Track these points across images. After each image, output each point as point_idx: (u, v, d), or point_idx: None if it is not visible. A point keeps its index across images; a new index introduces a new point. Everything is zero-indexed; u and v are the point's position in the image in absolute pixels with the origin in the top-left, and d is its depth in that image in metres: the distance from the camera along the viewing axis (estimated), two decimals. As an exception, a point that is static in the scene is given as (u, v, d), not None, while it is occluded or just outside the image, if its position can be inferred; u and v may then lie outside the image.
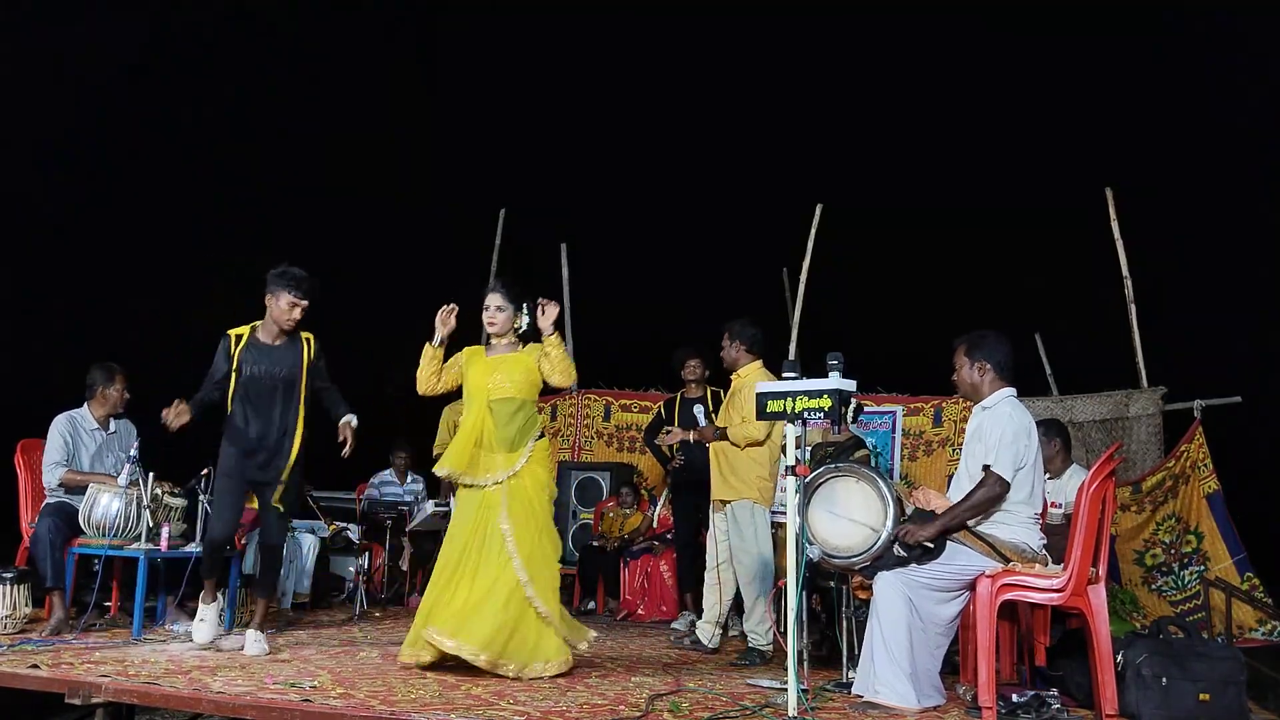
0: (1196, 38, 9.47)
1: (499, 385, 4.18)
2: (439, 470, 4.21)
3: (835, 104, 11.01)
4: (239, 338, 4.43)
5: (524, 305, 4.32)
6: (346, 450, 4.49)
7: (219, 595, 4.61)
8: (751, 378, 4.88)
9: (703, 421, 5.30)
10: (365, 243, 9.99)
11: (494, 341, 4.37)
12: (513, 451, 4.13)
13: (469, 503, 4.14)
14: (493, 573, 3.99)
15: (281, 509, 4.50)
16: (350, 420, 4.49)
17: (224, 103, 9.82)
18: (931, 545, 3.54)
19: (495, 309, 4.29)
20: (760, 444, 4.90)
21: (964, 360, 3.78)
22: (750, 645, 4.87)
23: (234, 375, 4.38)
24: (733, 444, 4.92)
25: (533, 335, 4.34)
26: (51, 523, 4.79)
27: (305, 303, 4.42)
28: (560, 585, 4.28)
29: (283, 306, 4.40)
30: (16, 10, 8.13)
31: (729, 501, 4.96)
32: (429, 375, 4.34)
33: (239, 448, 4.37)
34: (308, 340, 4.54)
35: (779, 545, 5.22)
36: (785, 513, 3.41)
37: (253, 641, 4.33)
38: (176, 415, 4.21)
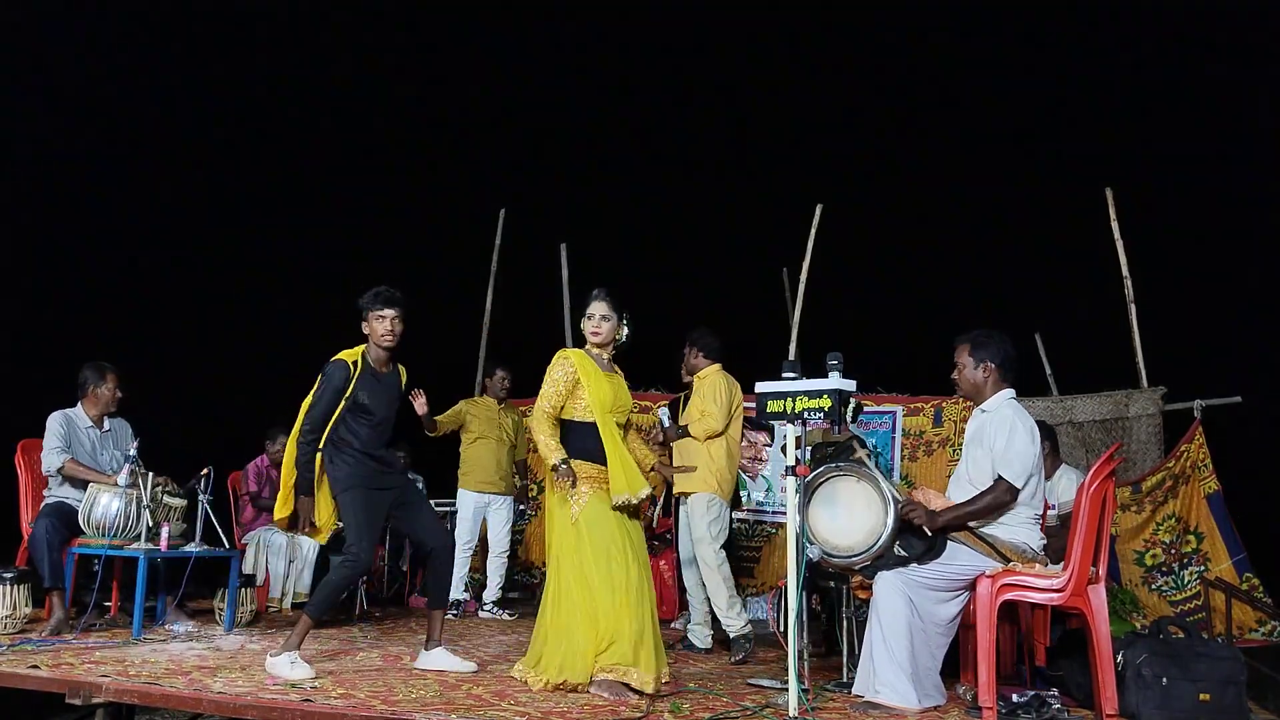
0: (1196, 37, 9.48)
1: (620, 409, 4.03)
2: (620, 499, 3.83)
3: (835, 104, 11.01)
4: (354, 364, 4.19)
5: (624, 316, 4.11)
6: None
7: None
8: (710, 378, 5.19)
9: (667, 423, 5.42)
10: (365, 243, 9.98)
11: (595, 352, 4.07)
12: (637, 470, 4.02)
13: (613, 520, 3.88)
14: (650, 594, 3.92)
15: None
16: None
17: (222, 103, 9.82)
18: (930, 535, 3.55)
19: (600, 318, 4.01)
20: (719, 435, 5.07)
21: (967, 360, 3.78)
22: (732, 637, 4.93)
23: (349, 398, 4.14)
24: (694, 438, 5.08)
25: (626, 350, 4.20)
26: (49, 523, 4.78)
27: (398, 319, 4.24)
28: None
29: (380, 329, 4.20)
30: (15, 9, 8.13)
31: (689, 494, 5.10)
32: (555, 407, 3.96)
33: (366, 469, 4.14)
34: (401, 370, 4.37)
35: (778, 545, 5.23)
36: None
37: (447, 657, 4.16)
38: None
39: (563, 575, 3.82)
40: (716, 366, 5.28)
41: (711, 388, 5.12)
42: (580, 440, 3.91)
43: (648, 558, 4.02)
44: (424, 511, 4.35)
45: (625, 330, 4.08)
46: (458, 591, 6.17)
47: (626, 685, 3.66)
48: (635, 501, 3.87)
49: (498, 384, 6.51)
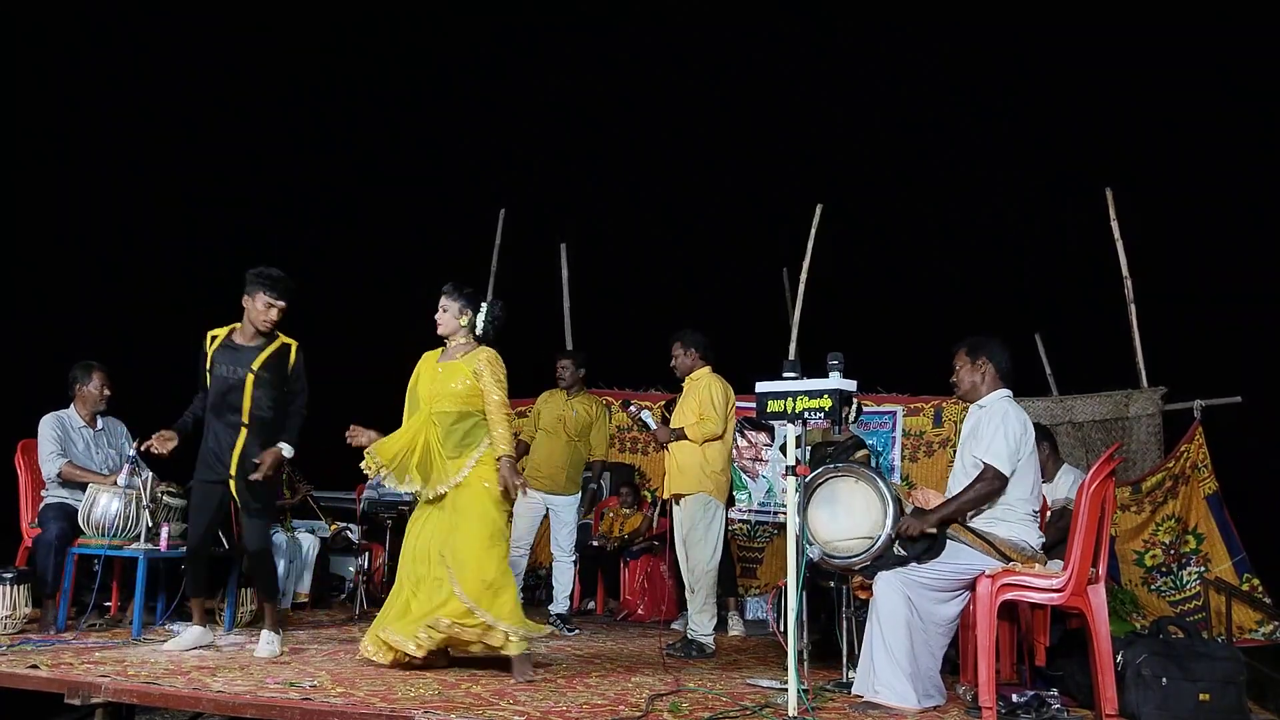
0: (1196, 37, 9.47)
1: (440, 395, 4.12)
2: (394, 485, 4.13)
3: (835, 104, 11.00)
4: (214, 338, 4.42)
5: (480, 303, 4.24)
6: (256, 475, 4.27)
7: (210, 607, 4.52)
8: (704, 379, 5.20)
9: (654, 426, 5.37)
10: (365, 243, 9.98)
11: (448, 344, 4.28)
12: (458, 459, 4.08)
13: (421, 512, 4.20)
14: (442, 584, 3.99)
15: (252, 509, 4.35)
16: (279, 449, 4.31)
17: (220, 102, 9.82)
18: (934, 532, 3.55)
19: (440, 310, 4.24)
20: (719, 438, 5.09)
21: (965, 360, 3.81)
22: (689, 637, 4.98)
23: (209, 375, 4.36)
24: (691, 441, 5.08)
25: (488, 336, 4.27)
26: (59, 529, 4.79)
27: (282, 303, 4.34)
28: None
29: (259, 307, 4.34)
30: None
31: (684, 495, 5.10)
32: None
33: (205, 448, 4.36)
34: (287, 346, 4.45)
35: (779, 545, 5.21)
36: (782, 512, 3.41)
37: (264, 643, 4.30)
38: (161, 442, 4.26)
39: None
40: (709, 368, 5.29)
41: (708, 390, 5.12)
42: None
43: (452, 542, 4.01)
44: (241, 518, 4.43)
45: (477, 316, 4.21)
46: None
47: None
48: (430, 494, 4.08)
49: (560, 372, 6.02)
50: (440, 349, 4.29)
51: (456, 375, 4.13)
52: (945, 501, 3.62)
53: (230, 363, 4.35)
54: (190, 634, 4.36)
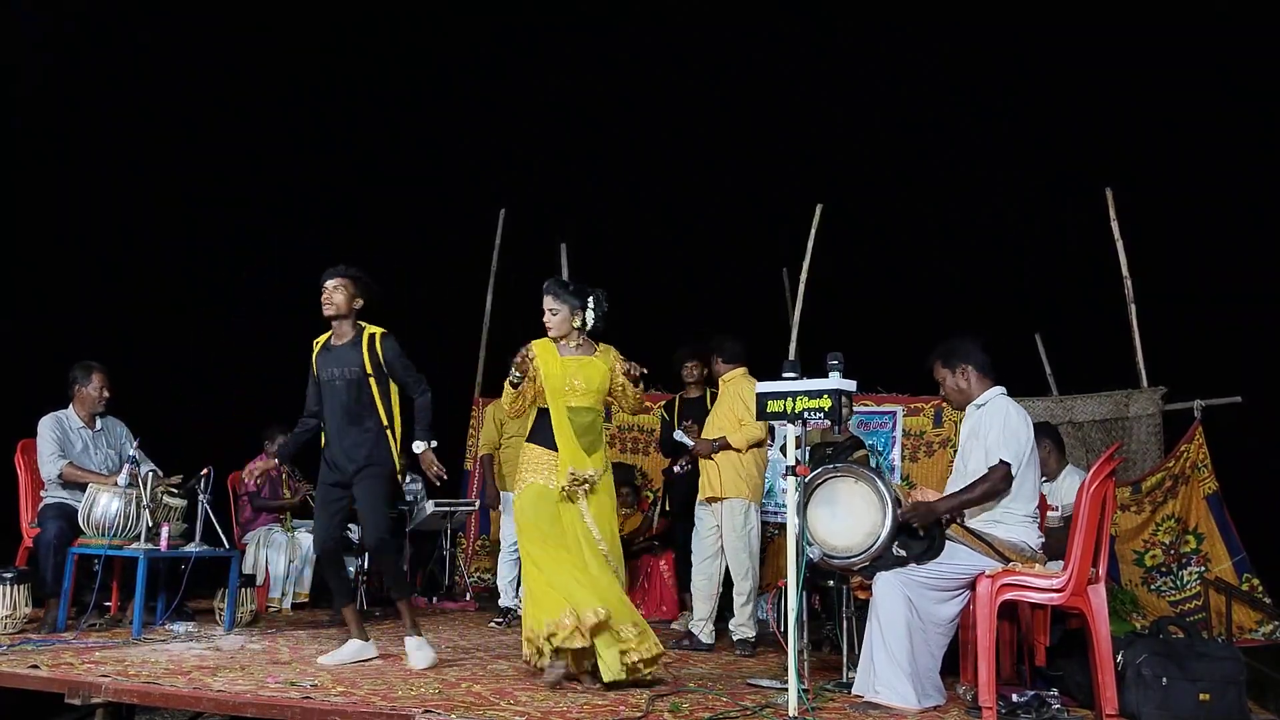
0: (1196, 37, 9.47)
1: (576, 391, 4.01)
2: (571, 473, 3.92)
3: (835, 104, 10.99)
4: (317, 345, 4.44)
5: (587, 299, 4.08)
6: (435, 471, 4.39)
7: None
8: (737, 383, 5.22)
9: (689, 442, 5.33)
10: (364, 243, 9.97)
11: (560, 341, 4.12)
12: (591, 455, 4.01)
13: (550, 504, 3.93)
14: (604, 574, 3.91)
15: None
16: (419, 448, 4.33)
17: (220, 102, 9.82)
18: (936, 527, 3.56)
19: (549, 312, 4.07)
20: (763, 444, 5.13)
21: (944, 372, 3.85)
22: (741, 638, 5.06)
23: (316, 383, 4.41)
24: (737, 449, 5.08)
25: (600, 332, 4.15)
26: (57, 528, 4.79)
27: (329, 282, 4.33)
28: None
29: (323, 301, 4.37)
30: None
31: (724, 499, 5.10)
32: (516, 408, 4.08)
33: (324, 453, 4.38)
34: (372, 336, 4.37)
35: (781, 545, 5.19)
36: (782, 512, 3.41)
37: (414, 649, 4.19)
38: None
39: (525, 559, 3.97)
40: (742, 370, 5.29)
41: (749, 393, 5.12)
42: (542, 426, 4.04)
43: (605, 535, 3.95)
44: (364, 505, 4.37)
45: (589, 314, 4.09)
46: (509, 599, 5.86)
47: (575, 670, 3.81)
48: (586, 476, 3.92)
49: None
50: (545, 339, 4.11)
51: (596, 372, 4.06)
52: (952, 494, 3.64)
53: (332, 365, 4.35)
54: (349, 648, 4.26)
